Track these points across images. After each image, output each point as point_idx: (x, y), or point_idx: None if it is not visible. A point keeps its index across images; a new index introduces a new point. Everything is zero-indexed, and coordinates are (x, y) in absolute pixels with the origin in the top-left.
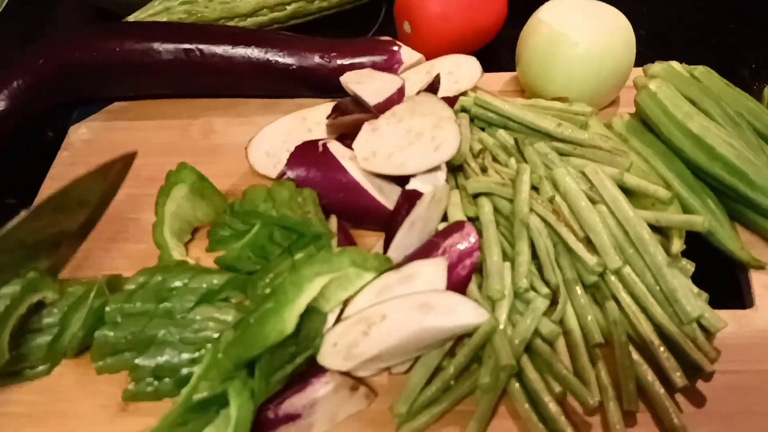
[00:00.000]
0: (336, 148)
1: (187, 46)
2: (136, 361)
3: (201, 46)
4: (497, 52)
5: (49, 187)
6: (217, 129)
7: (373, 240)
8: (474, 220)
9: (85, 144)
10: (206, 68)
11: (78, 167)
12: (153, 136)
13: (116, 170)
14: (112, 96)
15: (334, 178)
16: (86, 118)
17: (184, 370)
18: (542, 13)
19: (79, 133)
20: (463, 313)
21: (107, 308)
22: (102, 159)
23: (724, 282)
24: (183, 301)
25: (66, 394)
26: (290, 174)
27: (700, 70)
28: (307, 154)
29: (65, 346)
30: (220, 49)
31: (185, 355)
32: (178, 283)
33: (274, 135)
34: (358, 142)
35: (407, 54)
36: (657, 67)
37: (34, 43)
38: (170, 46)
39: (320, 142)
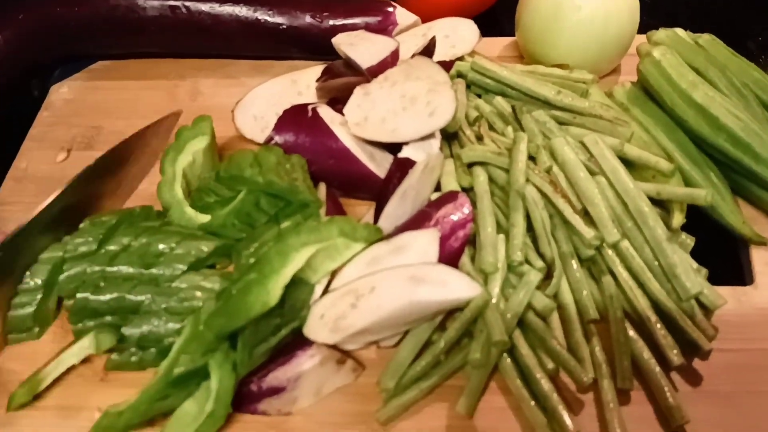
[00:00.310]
0: (326, 112)
1: (172, 2)
2: (122, 330)
3: (187, 3)
4: (497, 17)
5: (29, 148)
6: (204, 90)
7: (363, 209)
8: (468, 190)
9: (67, 104)
10: (193, 26)
11: (59, 127)
12: (138, 96)
13: (166, 127)
14: (95, 54)
15: (324, 143)
16: (68, 77)
17: (169, 340)
18: None
19: (61, 92)
20: (455, 286)
21: (88, 269)
22: (84, 120)
23: (723, 258)
24: (170, 269)
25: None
26: (278, 139)
27: (706, 38)
28: (295, 118)
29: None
30: (206, 6)
31: (171, 325)
32: (164, 247)
33: (262, 98)
34: (349, 107)
35: (402, 15)
36: (661, 33)
37: None
38: (155, 3)
39: (309, 107)
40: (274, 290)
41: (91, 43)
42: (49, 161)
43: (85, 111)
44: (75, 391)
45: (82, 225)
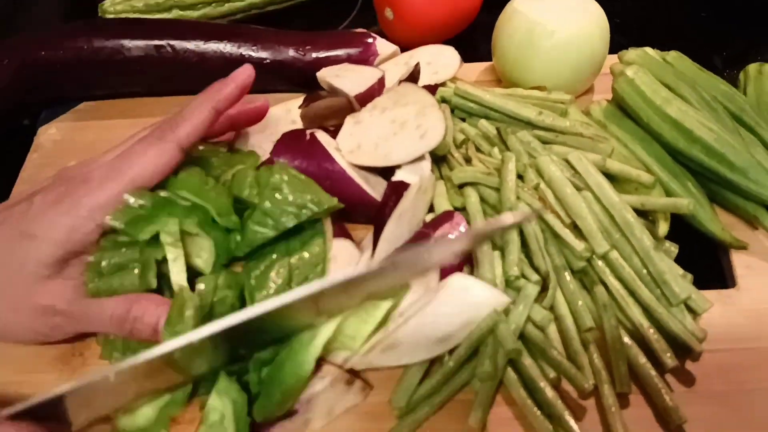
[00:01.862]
0: (323, 137)
1: (157, 42)
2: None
3: (172, 42)
4: (473, 40)
5: (20, 192)
6: None
7: (362, 233)
8: (460, 210)
9: (56, 144)
10: (178, 64)
11: (49, 169)
12: (126, 135)
13: None
14: (80, 96)
15: (321, 166)
16: (55, 119)
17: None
18: (517, 3)
19: (49, 133)
20: (478, 291)
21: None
22: (73, 159)
23: (705, 263)
24: None
25: None
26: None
27: (673, 55)
28: (293, 141)
29: None
30: (191, 45)
31: None
32: None
33: (257, 127)
34: (342, 136)
35: (382, 45)
36: (632, 53)
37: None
38: (140, 43)
39: (308, 131)
40: (306, 363)
41: (77, 85)
42: None
43: (74, 151)
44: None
45: None
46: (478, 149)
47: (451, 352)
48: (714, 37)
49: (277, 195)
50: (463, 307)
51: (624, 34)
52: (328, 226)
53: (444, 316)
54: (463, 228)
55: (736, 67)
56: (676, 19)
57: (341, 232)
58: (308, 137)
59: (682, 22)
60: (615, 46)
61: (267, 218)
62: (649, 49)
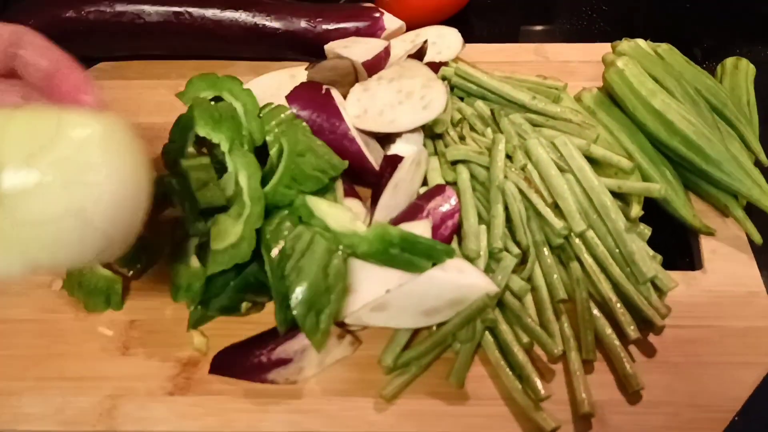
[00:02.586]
0: (337, 95)
1: (176, 9)
2: None
3: (190, 9)
4: (469, 18)
5: None
6: None
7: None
8: (451, 185)
9: None
10: (195, 31)
11: None
12: (142, 95)
13: None
14: (100, 56)
15: (330, 120)
16: None
17: None
18: None
19: None
20: (471, 275)
21: None
22: None
23: (676, 246)
24: None
25: (66, 338)
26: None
27: (664, 48)
28: (309, 92)
29: None
30: (209, 13)
31: None
32: None
33: (262, 89)
34: (350, 101)
35: (390, 20)
36: (624, 44)
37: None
38: (160, 8)
39: (324, 86)
40: None
41: (98, 46)
42: None
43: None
44: (98, 363)
45: None
46: (472, 128)
47: (439, 325)
48: (695, 29)
49: (300, 160)
50: (454, 287)
51: (608, 23)
52: (339, 185)
53: (434, 290)
54: (454, 201)
55: (715, 60)
56: (659, 9)
57: (351, 192)
58: (323, 91)
59: (665, 13)
60: (601, 35)
61: (294, 182)
62: (641, 41)
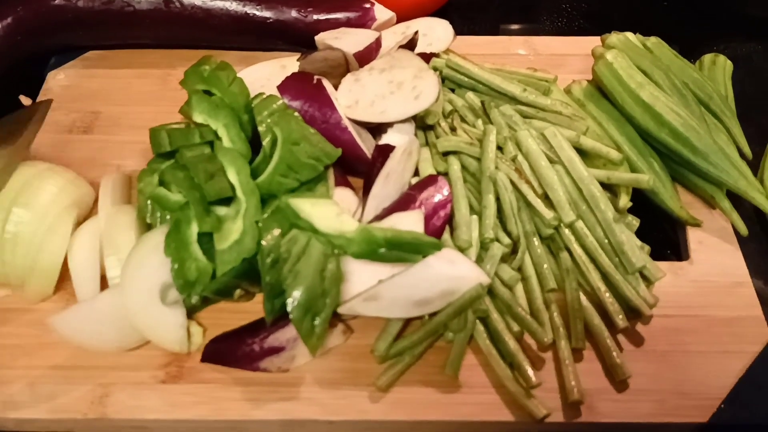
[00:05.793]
0: (328, 85)
1: None
2: None
3: None
4: (449, 14)
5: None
6: None
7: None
8: (443, 175)
9: (64, 90)
10: (185, 20)
11: (58, 113)
12: (131, 84)
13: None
14: (90, 44)
15: (322, 110)
16: (63, 65)
17: None
18: None
19: (57, 79)
20: (462, 266)
21: None
22: (81, 105)
23: (663, 237)
24: None
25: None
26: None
27: (653, 41)
28: (300, 83)
29: None
30: (199, 1)
31: None
32: None
33: (253, 79)
34: (341, 92)
35: (380, 11)
36: (614, 37)
37: None
38: None
39: (315, 76)
40: None
41: (87, 35)
42: (50, 144)
43: (82, 97)
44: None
45: None
46: (463, 120)
47: (431, 315)
48: (674, 26)
49: (295, 148)
50: (446, 278)
51: (587, 19)
52: (330, 174)
53: (426, 281)
54: (446, 191)
55: (693, 56)
56: (638, 5)
57: (343, 182)
58: (315, 81)
59: (644, 9)
60: (580, 30)
61: (290, 171)
62: (630, 34)
